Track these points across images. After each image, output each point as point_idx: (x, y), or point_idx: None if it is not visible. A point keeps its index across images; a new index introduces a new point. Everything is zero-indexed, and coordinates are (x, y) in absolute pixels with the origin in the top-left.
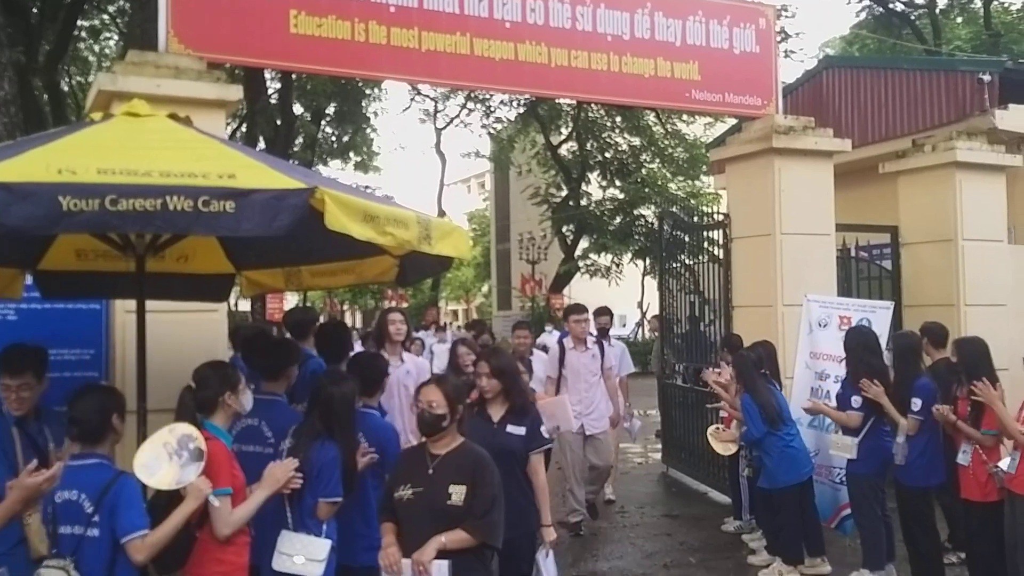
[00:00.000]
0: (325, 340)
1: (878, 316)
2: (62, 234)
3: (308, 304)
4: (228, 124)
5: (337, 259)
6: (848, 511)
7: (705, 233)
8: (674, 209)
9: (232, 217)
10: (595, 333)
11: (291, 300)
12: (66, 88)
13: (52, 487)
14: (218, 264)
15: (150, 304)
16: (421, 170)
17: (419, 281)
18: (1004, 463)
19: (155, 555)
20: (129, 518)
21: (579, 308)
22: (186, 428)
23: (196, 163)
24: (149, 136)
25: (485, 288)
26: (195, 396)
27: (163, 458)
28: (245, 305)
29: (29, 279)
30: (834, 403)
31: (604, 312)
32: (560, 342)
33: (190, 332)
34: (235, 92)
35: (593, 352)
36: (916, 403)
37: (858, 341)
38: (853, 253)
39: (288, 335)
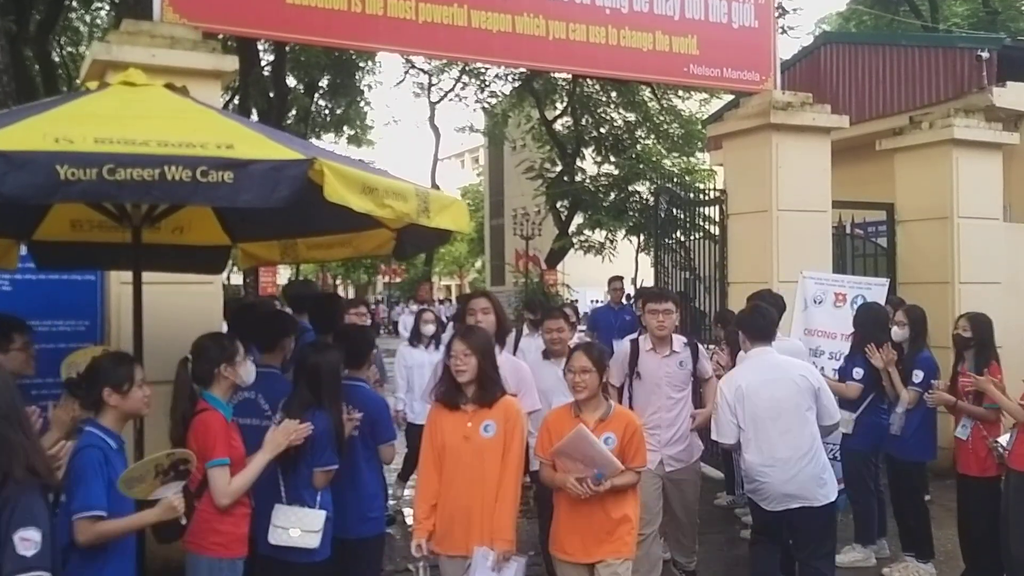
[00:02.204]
0: (317, 310)
1: (873, 293)
2: (58, 203)
3: (301, 278)
4: (221, 96)
5: (334, 232)
6: (841, 487)
7: (701, 209)
8: (670, 185)
9: (231, 188)
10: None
11: (284, 274)
12: (57, 59)
13: (58, 466)
14: (214, 236)
15: (145, 276)
16: (414, 144)
17: (417, 254)
18: (1004, 439)
19: (101, 544)
20: (79, 494)
21: (658, 296)
22: (184, 454)
23: (194, 133)
24: (146, 106)
25: (479, 264)
26: (192, 369)
27: (149, 475)
28: (237, 279)
29: (24, 249)
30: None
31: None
32: (634, 341)
33: (186, 304)
34: (231, 62)
35: (682, 358)
36: (918, 375)
37: (869, 317)
38: (848, 230)
39: (288, 308)
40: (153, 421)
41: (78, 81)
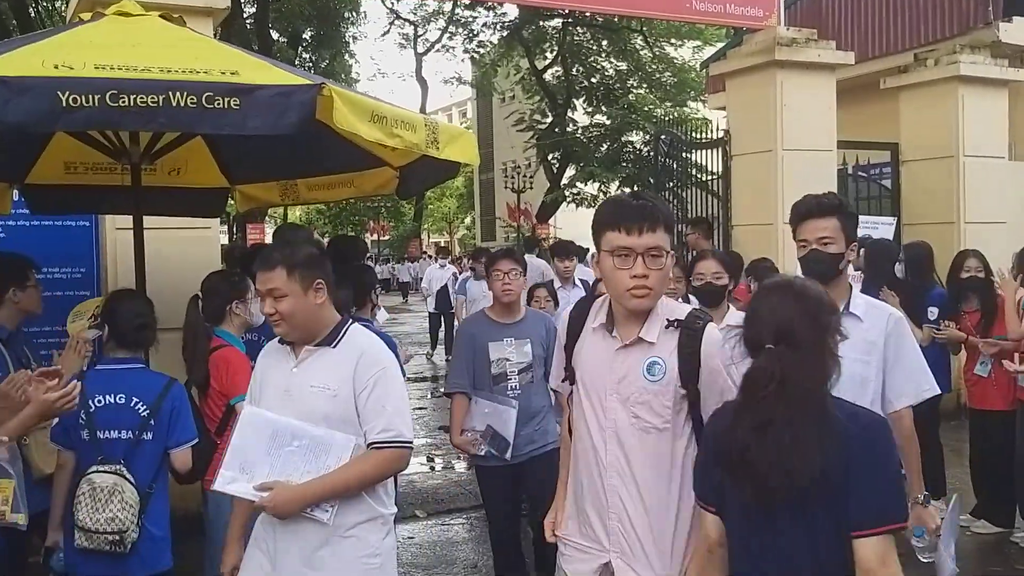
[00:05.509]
0: None
1: (880, 232)
2: (52, 143)
3: None
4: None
5: (334, 171)
6: None
7: (704, 152)
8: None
9: (238, 114)
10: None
11: (269, 231)
12: (32, 14)
13: (70, 407)
14: (212, 178)
15: None
16: (401, 98)
17: (421, 191)
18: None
19: None
20: (185, 427)
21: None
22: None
23: (196, 60)
24: (144, 35)
25: (468, 220)
26: (202, 306)
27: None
28: (222, 236)
29: (17, 194)
30: None
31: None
32: (585, 302)
33: (182, 249)
34: (223, 0)
35: (657, 355)
36: (933, 312)
37: (880, 253)
38: (851, 171)
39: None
40: (155, 365)
41: (69, 15)
